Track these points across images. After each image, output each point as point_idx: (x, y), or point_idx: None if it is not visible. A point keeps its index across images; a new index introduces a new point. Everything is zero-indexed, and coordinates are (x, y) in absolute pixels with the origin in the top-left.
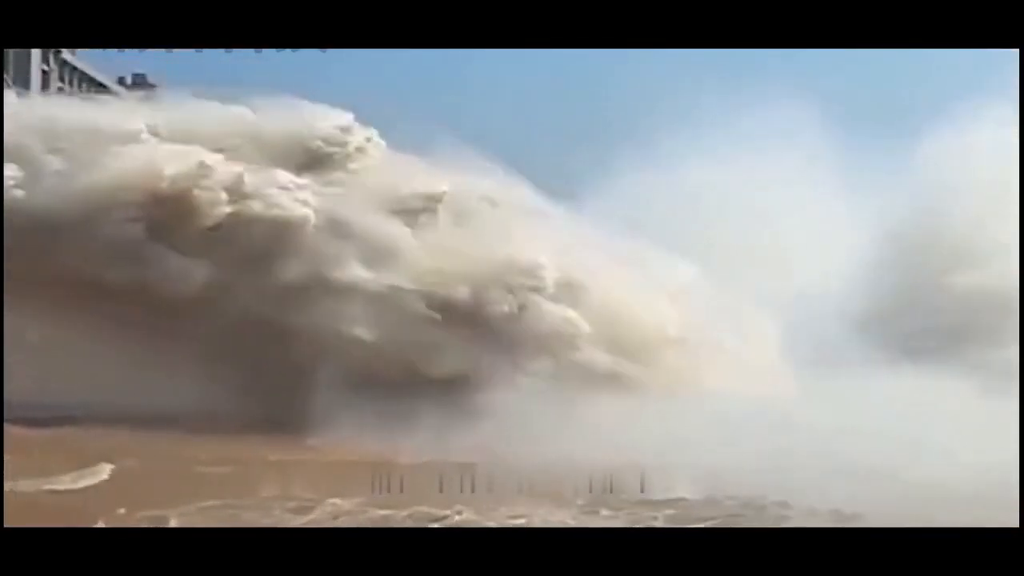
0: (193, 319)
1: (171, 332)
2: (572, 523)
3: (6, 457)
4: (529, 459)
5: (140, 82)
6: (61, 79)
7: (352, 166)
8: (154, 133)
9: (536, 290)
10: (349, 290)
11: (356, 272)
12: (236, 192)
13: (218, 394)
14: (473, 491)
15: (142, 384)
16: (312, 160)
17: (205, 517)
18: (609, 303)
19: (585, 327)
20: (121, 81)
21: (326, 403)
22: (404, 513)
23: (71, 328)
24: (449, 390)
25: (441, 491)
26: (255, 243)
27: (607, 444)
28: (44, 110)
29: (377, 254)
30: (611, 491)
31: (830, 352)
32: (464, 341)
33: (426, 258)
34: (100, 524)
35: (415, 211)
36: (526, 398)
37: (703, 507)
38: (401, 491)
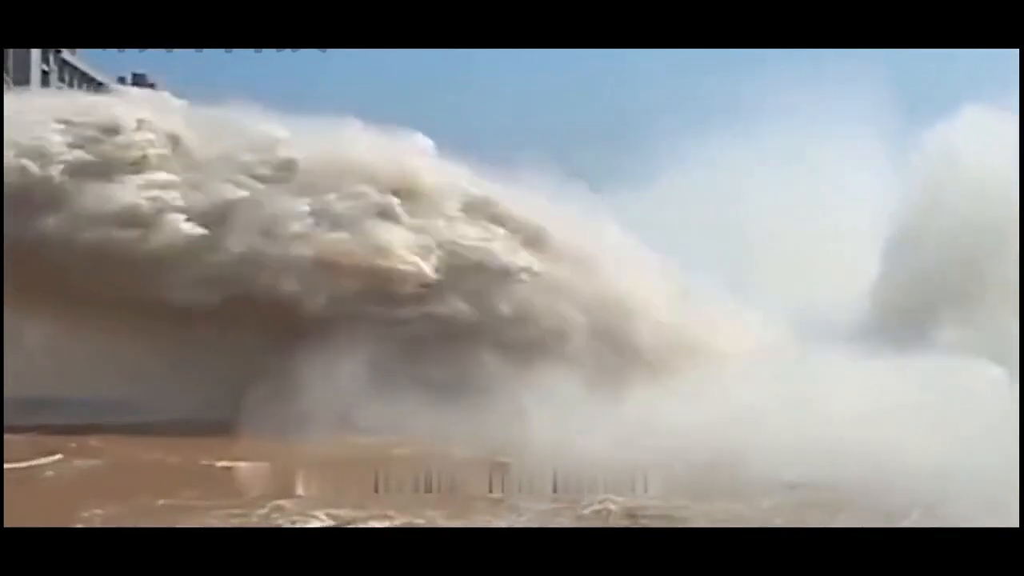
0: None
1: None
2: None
3: None
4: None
5: (140, 82)
6: (61, 79)
7: None
8: None
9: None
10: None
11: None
12: None
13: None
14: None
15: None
16: None
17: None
18: (623, 302)
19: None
20: (121, 81)
21: (331, 402)
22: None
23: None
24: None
25: (428, 491)
26: None
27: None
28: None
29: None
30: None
31: (843, 347)
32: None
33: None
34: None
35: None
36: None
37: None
38: (399, 491)
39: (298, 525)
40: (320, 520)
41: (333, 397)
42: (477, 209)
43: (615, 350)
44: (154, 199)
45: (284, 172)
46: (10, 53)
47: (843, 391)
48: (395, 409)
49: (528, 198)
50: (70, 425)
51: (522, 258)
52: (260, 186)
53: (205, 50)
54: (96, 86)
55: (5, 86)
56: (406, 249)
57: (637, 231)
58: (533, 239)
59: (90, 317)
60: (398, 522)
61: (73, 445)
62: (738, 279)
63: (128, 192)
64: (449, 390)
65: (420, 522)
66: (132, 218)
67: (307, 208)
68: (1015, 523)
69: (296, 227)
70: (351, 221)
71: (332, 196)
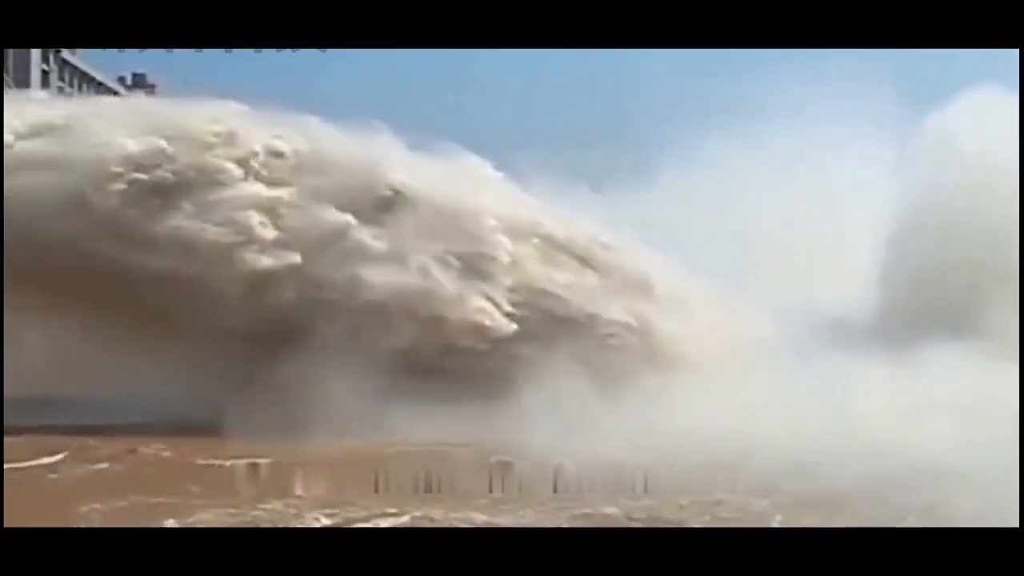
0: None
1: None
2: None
3: None
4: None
5: (140, 82)
6: (61, 79)
7: None
8: None
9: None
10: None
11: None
12: None
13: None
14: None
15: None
16: None
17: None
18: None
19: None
20: (121, 81)
21: (339, 402)
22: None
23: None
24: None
25: (428, 491)
26: None
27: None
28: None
29: None
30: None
31: (845, 347)
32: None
33: None
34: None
35: None
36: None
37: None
38: (399, 491)
39: (298, 525)
40: (320, 520)
41: (333, 400)
42: (562, 249)
43: (631, 359)
44: (236, 223)
45: (389, 206)
46: (10, 53)
47: (844, 390)
48: (396, 411)
49: (617, 236)
50: (71, 425)
51: (621, 310)
52: (351, 219)
53: (205, 50)
54: (96, 86)
55: (5, 86)
56: (481, 296)
57: (638, 231)
58: (638, 288)
59: (128, 326)
60: (397, 522)
61: (75, 445)
62: (738, 279)
63: (210, 213)
64: (454, 392)
65: (420, 522)
66: (205, 245)
67: (384, 247)
68: (1015, 523)
69: (369, 270)
70: (419, 262)
71: (406, 233)
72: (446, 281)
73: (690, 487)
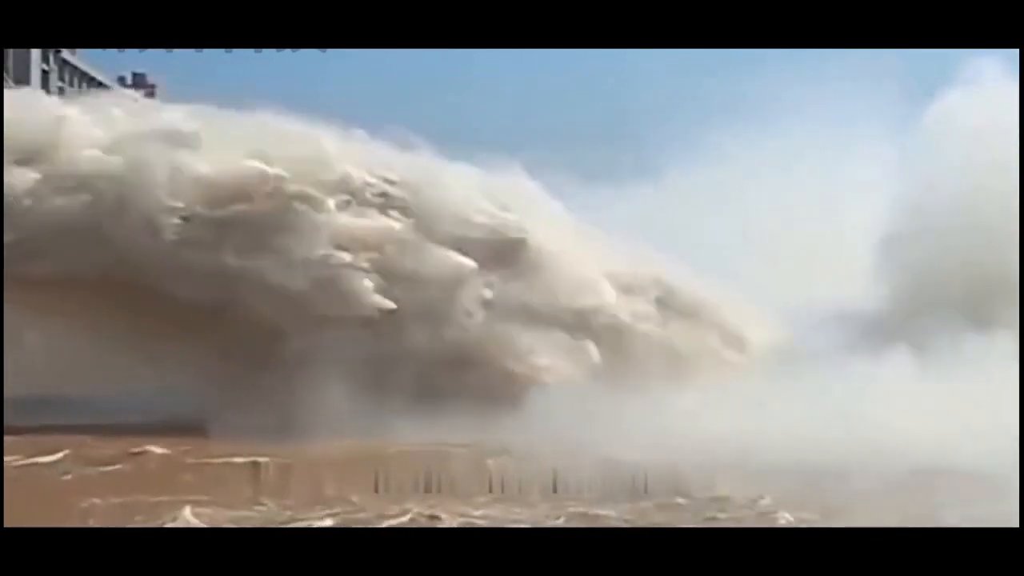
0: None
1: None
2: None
3: None
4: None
5: (140, 82)
6: (61, 79)
7: None
8: None
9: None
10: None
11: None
12: None
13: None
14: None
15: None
16: None
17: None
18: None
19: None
20: (121, 81)
21: (340, 402)
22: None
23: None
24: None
25: (428, 491)
26: None
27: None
28: None
29: None
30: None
31: (847, 345)
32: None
33: None
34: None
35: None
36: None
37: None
38: (399, 491)
39: (297, 525)
40: (320, 520)
41: (332, 401)
42: (665, 303)
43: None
44: (322, 264)
45: (508, 253)
46: (10, 53)
47: (845, 389)
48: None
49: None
50: (71, 425)
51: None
52: (471, 263)
53: (205, 50)
54: (96, 86)
55: (5, 86)
56: (565, 353)
57: (638, 230)
58: (732, 342)
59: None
60: (398, 522)
61: (74, 445)
62: (739, 278)
63: (292, 252)
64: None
65: (420, 522)
66: (279, 290)
67: (488, 294)
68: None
69: (467, 319)
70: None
71: (514, 282)
72: (533, 336)
73: (690, 487)
